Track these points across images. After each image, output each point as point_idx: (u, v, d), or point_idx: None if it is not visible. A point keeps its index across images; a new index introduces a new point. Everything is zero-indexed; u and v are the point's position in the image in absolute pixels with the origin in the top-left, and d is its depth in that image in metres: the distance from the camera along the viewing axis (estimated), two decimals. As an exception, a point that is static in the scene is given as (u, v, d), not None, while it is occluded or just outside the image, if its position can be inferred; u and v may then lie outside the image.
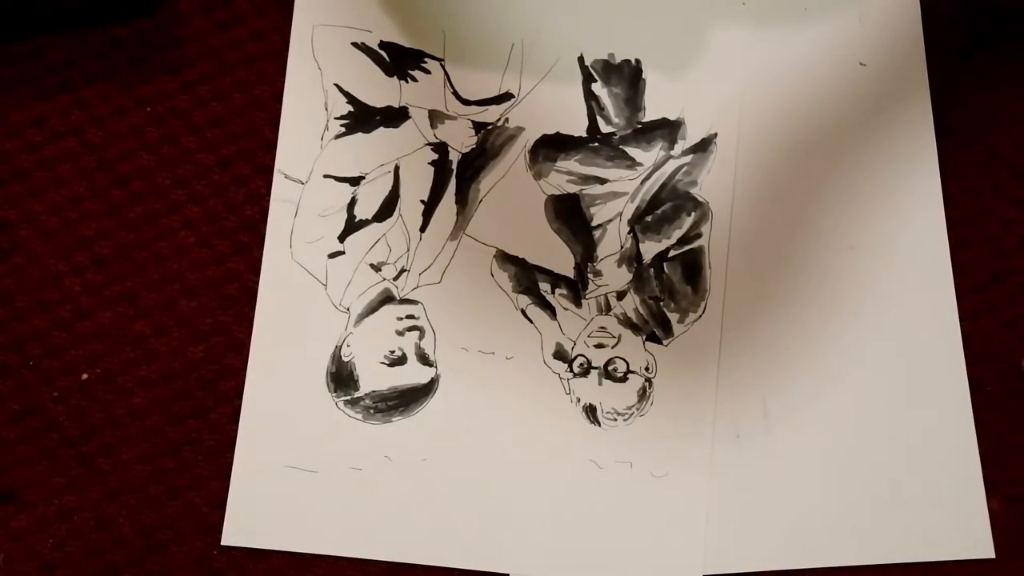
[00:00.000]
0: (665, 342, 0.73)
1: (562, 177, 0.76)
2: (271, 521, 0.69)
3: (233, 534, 0.69)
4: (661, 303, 0.74)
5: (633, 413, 0.72)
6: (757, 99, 0.77)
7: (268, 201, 0.74)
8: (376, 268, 0.73)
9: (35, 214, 0.73)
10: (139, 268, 0.73)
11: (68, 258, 0.73)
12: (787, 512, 0.71)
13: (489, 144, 0.76)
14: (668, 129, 0.77)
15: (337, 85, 0.77)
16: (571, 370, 0.72)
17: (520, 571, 0.69)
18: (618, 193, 0.76)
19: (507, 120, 0.76)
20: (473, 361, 0.72)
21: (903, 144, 0.77)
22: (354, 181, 0.75)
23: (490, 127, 0.76)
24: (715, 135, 0.77)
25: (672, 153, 0.77)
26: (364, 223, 0.74)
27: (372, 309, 0.73)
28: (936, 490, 0.71)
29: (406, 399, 0.71)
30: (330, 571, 0.69)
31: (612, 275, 0.74)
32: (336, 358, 0.72)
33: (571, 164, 0.76)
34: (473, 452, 0.71)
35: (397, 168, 0.75)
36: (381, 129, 0.76)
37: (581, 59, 0.78)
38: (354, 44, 0.78)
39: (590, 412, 0.72)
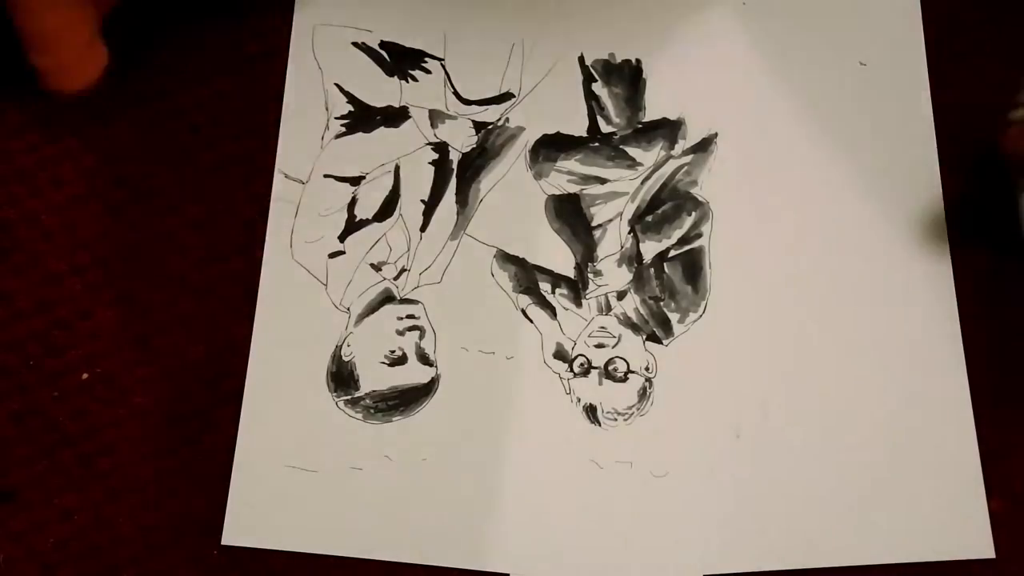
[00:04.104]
0: (665, 342, 0.73)
1: (562, 177, 0.76)
2: (271, 521, 0.69)
3: (233, 534, 0.69)
4: (661, 303, 0.74)
5: (633, 413, 0.72)
6: (757, 99, 0.78)
7: (268, 201, 0.74)
8: (376, 268, 0.73)
9: (35, 214, 0.73)
10: (139, 268, 0.73)
11: (68, 258, 0.73)
12: (787, 512, 0.71)
13: (489, 144, 0.76)
14: (668, 129, 0.77)
15: (337, 85, 0.77)
16: (571, 370, 0.72)
17: (520, 571, 0.69)
18: (618, 193, 0.76)
19: (507, 120, 0.76)
20: (473, 361, 0.72)
21: (903, 144, 0.78)
22: (354, 181, 0.75)
23: (490, 127, 0.76)
24: (715, 135, 0.77)
25: (672, 153, 0.77)
26: (364, 223, 0.74)
27: (372, 309, 0.73)
28: (936, 490, 0.71)
29: (406, 399, 0.71)
30: (330, 571, 0.69)
31: (612, 275, 0.74)
32: (336, 358, 0.72)
33: (571, 164, 0.76)
34: (473, 452, 0.71)
35: (397, 168, 0.75)
36: (381, 129, 0.76)
37: (581, 59, 0.78)
38: (354, 44, 0.78)
39: (590, 412, 0.72)
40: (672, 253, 0.74)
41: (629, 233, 0.75)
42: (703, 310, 0.74)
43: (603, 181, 0.76)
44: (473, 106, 0.77)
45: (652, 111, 0.78)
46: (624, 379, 0.72)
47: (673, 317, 0.73)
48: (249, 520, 0.69)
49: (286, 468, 0.70)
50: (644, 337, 0.73)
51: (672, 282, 0.74)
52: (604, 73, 0.78)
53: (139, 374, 0.71)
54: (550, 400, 0.72)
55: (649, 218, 0.75)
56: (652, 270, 0.74)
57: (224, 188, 0.75)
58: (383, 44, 0.78)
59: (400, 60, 0.78)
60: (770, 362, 0.73)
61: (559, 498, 0.70)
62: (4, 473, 0.70)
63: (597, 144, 0.77)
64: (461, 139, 0.76)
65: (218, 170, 0.75)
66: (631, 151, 0.77)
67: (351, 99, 0.77)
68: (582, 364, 0.72)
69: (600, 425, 0.71)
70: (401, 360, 0.72)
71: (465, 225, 0.75)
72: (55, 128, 0.74)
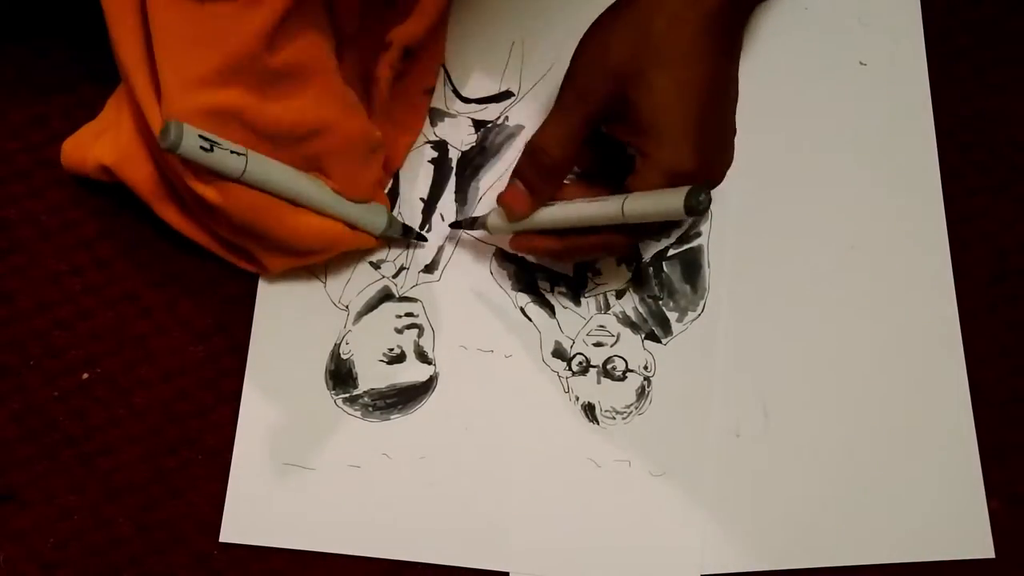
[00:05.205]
0: (664, 341, 0.73)
1: (561, 176, 0.76)
2: (269, 518, 0.69)
3: (231, 531, 0.69)
4: (660, 302, 0.74)
5: (632, 412, 0.72)
6: (756, 98, 0.77)
7: (268, 200, 0.74)
8: (375, 266, 0.73)
9: (35, 214, 0.73)
10: (139, 268, 0.73)
11: (68, 258, 0.73)
12: (787, 512, 0.71)
13: (489, 142, 0.76)
14: (667, 129, 0.77)
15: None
16: (570, 368, 0.72)
17: (519, 569, 0.69)
18: (617, 192, 0.76)
19: (507, 118, 0.77)
20: (472, 359, 0.72)
21: (903, 144, 0.78)
22: (354, 180, 0.75)
23: (490, 125, 0.76)
24: (715, 135, 0.77)
25: (672, 152, 0.76)
26: (364, 221, 0.74)
27: (371, 307, 0.73)
28: (936, 490, 0.71)
29: (405, 397, 0.71)
30: (329, 569, 0.69)
31: (611, 274, 0.74)
32: (335, 356, 0.72)
33: (570, 163, 0.75)
34: (472, 450, 0.71)
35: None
36: (381, 128, 0.76)
37: (580, 58, 0.78)
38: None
39: (589, 411, 0.72)
40: (671, 252, 0.74)
41: (628, 232, 0.75)
42: (702, 309, 0.74)
43: (602, 180, 0.76)
44: (472, 104, 0.77)
45: (651, 111, 0.78)
46: (623, 378, 0.72)
47: (672, 316, 0.73)
48: (248, 518, 0.69)
49: (284, 466, 0.70)
50: (643, 336, 0.73)
51: (671, 281, 0.74)
52: (603, 73, 0.78)
53: (139, 374, 0.71)
54: (548, 398, 0.72)
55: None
56: (651, 269, 0.74)
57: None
58: (383, 44, 0.78)
59: (400, 59, 0.78)
60: (770, 362, 0.73)
61: (557, 497, 0.70)
62: (4, 473, 0.70)
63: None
64: (460, 137, 0.76)
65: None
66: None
67: (351, 99, 0.77)
68: (581, 363, 0.72)
69: (598, 424, 0.71)
70: (400, 358, 0.72)
71: (464, 223, 0.75)
72: (55, 128, 0.74)
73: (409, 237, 0.74)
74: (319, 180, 0.67)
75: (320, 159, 0.66)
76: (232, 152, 0.61)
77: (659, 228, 0.65)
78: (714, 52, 0.63)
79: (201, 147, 0.59)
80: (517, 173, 0.68)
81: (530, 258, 0.72)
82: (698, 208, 0.57)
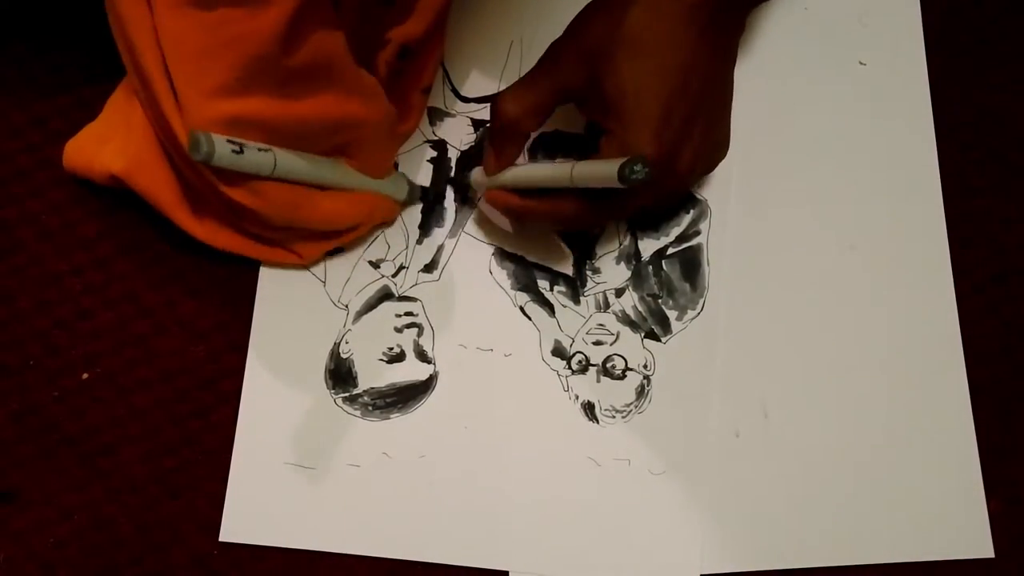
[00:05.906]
0: (663, 339, 0.73)
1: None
2: (269, 518, 0.69)
3: (231, 531, 0.69)
4: (659, 300, 0.74)
5: (631, 410, 0.72)
6: (756, 98, 0.78)
7: (267, 200, 0.74)
8: (375, 265, 0.73)
9: (35, 214, 0.73)
10: (139, 268, 0.73)
11: (68, 258, 0.73)
12: (787, 512, 0.71)
13: (488, 142, 0.76)
14: (667, 128, 0.77)
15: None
16: (569, 367, 0.72)
17: (519, 568, 0.69)
18: (617, 191, 0.76)
19: (506, 118, 0.76)
20: (471, 358, 0.72)
21: (903, 144, 0.78)
22: (353, 180, 0.75)
23: (488, 125, 0.76)
24: (714, 134, 0.77)
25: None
26: (363, 221, 0.74)
27: (371, 306, 0.73)
28: (936, 490, 0.71)
29: (404, 396, 0.71)
30: (329, 569, 0.69)
31: (610, 272, 0.74)
32: (335, 355, 0.72)
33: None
34: (471, 449, 0.71)
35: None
36: (381, 127, 0.76)
37: (580, 58, 0.78)
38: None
39: (588, 409, 0.72)
40: (670, 250, 0.74)
41: (627, 230, 0.75)
42: (701, 308, 0.74)
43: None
44: (472, 104, 0.77)
45: (651, 110, 0.78)
46: (622, 376, 0.72)
47: (671, 315, 0.73)
48: (247, 517, 0.69)
49: (284, 465, 0.70)
50: (642, 335, 0.73)
51: (670, 279, 0.74)
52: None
53: (139, 374, 0.71)
54: (548, 397, 0.72)
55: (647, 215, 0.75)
56: (650, 267, 0.74)
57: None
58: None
59: (399, 60, 0.78)
60: (769, 361, 0.73)
61: (557, 495, 0.70)
62: (4, 473, 0.70)
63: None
64: (460, 137, 0.76)
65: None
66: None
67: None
68: (580, 361, 0.72)
69: (598, 422, 0.71)
70: (399, 357, 0.72)
71: (464, 223, 0.75)
72: (55, 128, 0.74)
73: (428, 197, 0.75)
74: (342, 162, 0.68)
75: (345, 147, 0.67)
76: (259, 150, 0.61)
77: (609, 204, 0.66)
78: (692, 44, 0.64)
79: (232, 151, 0.59)
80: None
81: (505, 227, 0.75)
82: (630, 178, 0.59)
